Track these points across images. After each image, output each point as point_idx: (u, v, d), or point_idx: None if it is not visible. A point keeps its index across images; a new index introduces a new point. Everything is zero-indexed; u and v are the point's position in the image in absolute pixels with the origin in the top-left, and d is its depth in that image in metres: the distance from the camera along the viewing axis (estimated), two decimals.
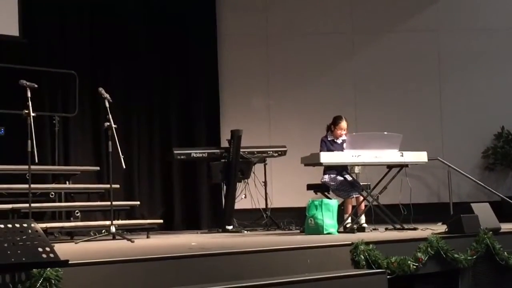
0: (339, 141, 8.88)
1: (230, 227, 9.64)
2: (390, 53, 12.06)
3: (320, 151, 8.73)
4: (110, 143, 7.64)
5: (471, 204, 7.63)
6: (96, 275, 4.87)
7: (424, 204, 10.75)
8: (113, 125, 7.59)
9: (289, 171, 10.95)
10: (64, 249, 5.58)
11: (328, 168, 8.73)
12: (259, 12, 12.01)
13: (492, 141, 11.96)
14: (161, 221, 9.36)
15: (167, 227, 10.52)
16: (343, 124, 8.91)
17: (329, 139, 8.94)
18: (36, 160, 7.07)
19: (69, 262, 4.50)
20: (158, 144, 11.30)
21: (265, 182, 10.35)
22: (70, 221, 8.83)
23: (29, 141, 7.00)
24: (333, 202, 8.26)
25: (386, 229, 8.52)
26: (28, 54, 10.13)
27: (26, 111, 7.10)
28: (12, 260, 4.23)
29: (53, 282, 4.47)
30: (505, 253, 7.19)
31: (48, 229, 7.66)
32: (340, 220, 8.46)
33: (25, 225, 4.48)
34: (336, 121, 8.97)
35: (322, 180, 8.83)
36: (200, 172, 11.27)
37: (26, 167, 7.17)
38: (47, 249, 4.39)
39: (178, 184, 11.32)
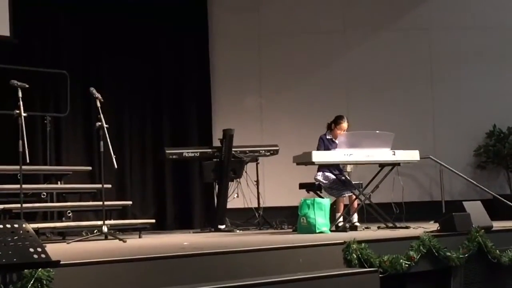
0: (337, 140, 8.82)
1: (223, 227, 9.63)
2: (382, 52, 12.05)
3: (317, 148, 8.74)
4: (102, 143, 7.63)
5: (463, 203, 7.64)
6: (88, 276, 4.87)
7: (416, 203, 10.74)
8: (105, 125, 7.59)
9: (281, 170, 10.94)
10: (55, 250, 5.56)
11: (322, 166, 8.74)
12: (251, 12, 12.00)
13: (484, 139, 11.95)
14: (153, 220, 9.35)
15: (160, 227, 10.51)
16: (344, 124, 8.89)
17: (327, 137, 8.93)
18: (28, 160, 7.05)
19: (61, 263, 4.49)
20: (150, 144, 11.29)
21: (257, 181, 10.33)
22: (62, 221, 8.82)
23: (20, 141, 6.98)
24: (326, 201, 8.25)
25: (379, 227, 8.53)
26: (19, 54, 10.09)
27: (17, 111, 7.07)
28: (3, 260, 4.22)
29: (44, 282, 4.46)
30: (497, 251, 7.21)
31: (40, 229, 7.64)
32: (332, 219, 8.46)
33: (16, 225, 4.47)
34: (337, 120, 8.94)
35: (316, 178, 8.83)
36: (192, 172, 11.28)
37: (18, 167, 7.15)
38: (39, 249, 4.38)
39: (170, 183, 11.31)
